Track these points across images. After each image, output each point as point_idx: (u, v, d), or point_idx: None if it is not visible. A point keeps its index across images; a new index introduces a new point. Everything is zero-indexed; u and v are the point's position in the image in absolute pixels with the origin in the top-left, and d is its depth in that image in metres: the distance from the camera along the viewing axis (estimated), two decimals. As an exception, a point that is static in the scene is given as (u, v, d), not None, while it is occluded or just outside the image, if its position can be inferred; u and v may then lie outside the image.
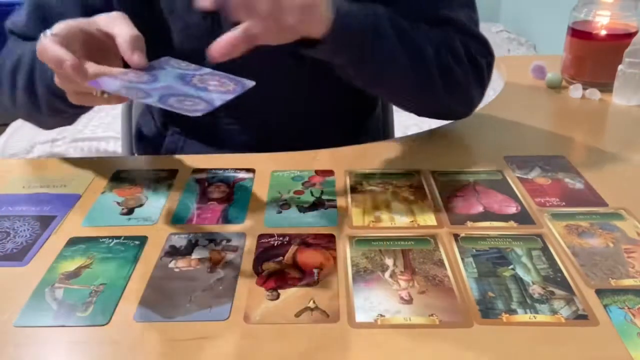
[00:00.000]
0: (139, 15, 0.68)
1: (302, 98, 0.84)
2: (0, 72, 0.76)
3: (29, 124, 0.81)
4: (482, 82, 0.79)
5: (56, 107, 0.71)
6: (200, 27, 0.76)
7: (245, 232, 0.62)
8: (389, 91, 0.78)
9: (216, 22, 0.75)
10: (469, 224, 0.63)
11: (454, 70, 0.74)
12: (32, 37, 0.70)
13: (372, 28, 0.67)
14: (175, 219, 0.65)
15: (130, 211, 0.66)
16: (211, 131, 0.86)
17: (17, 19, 0.78)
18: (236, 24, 0.56)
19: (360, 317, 0.49)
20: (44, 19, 0.75)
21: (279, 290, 0.53)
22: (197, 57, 0.62)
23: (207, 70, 0.61)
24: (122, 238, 0.61)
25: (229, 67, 0.59)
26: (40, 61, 0.59)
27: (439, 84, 0.73)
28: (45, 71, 0.66)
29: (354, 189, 0.70)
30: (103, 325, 0.49)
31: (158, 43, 0.73)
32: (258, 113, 0.83)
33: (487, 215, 0.64)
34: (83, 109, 0.73)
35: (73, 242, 0.61)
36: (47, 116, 0.74)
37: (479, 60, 0.77)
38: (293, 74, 0.80)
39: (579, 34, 0.99)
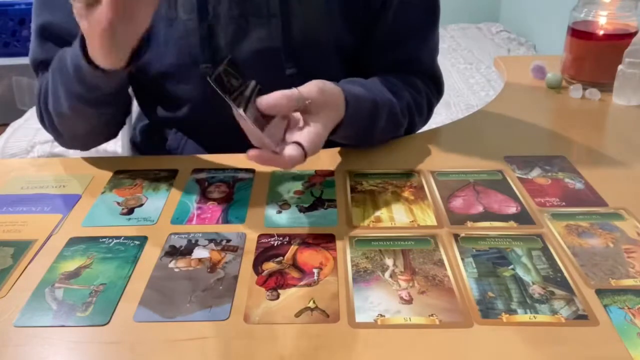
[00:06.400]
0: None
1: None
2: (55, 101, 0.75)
3: (33, 125, 0.81)
4: (428, 116, 0.91)
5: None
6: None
7: (245, 232, 0.62)
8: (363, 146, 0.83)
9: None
10: (469, 224, 0.63)
11: (416, 124, 0.87)
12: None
13: (370, 114, 0.73)
14: (175, 219, 0.65)
15: (130, 211, 0.66)
16: (211, 136, 0.86)
17: (35, 53, 0.79)
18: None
19: (360, 317, 0.49)
20: (54, 36, 0.77)
21: (279, 290, 0.53)
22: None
23: None
24: (122, 238, 0.61)
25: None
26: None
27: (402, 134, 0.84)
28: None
29: (354, 189, 0.70)
30: (103, 325, 0.49)
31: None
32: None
33: (487, 215, 0.64)
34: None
35: (73, 242, 0.61)
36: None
37: (433, 104, 0.91)
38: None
39: (579, 34, 0.99)
